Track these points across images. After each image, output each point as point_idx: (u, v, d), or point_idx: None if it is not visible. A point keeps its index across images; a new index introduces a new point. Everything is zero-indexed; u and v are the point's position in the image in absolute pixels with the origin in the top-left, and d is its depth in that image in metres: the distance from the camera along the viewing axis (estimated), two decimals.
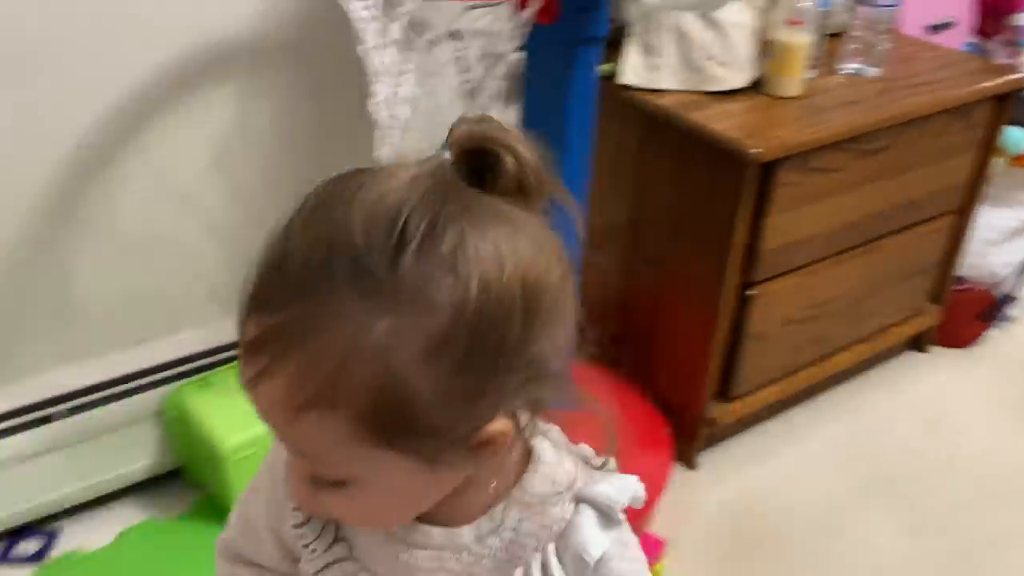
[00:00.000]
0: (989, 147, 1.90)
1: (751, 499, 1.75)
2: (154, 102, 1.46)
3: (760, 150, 1.48)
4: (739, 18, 1.60)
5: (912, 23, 2.02)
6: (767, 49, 1.63)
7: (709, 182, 1.58)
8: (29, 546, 1.52)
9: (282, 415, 0.54)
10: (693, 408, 1.74)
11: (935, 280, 2.04)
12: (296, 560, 0.72)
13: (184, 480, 1.65)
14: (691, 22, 1.60)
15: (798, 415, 1.94)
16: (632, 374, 1.80)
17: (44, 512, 1.54)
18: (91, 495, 1.57)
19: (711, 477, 1.79)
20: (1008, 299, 2.20)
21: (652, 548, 1.54)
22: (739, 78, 1.64)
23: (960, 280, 2.10)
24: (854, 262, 1.79)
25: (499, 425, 0.57)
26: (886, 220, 1.80)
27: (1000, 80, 1.80)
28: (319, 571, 0.68)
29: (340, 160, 1.63)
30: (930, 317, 2.09)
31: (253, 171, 1.61)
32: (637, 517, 1.68)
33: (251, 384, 0.54)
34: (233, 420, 1.48)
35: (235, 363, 0.62)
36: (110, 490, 1.58)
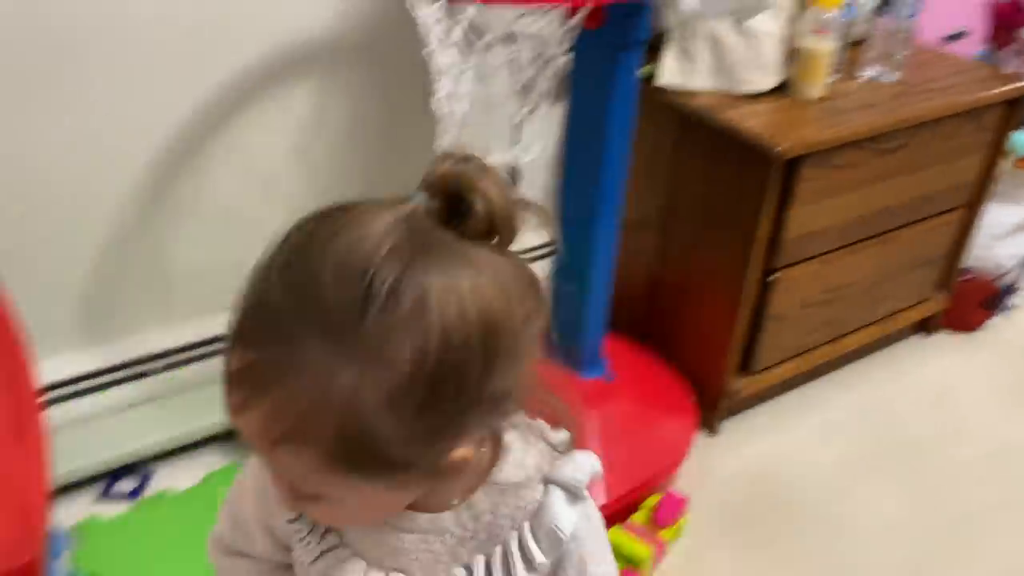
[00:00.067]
0: (997, 149, 1.85)
1: (766, 464, 1.74)
2: (242, 97, 1.48)
3: (785, 148, 1.46)
4: (769, 26, 1.58)
5: (929, 33, 1.98)
6: (794, 55, 1.61)
7: (737, 177, 1.56)
8: (126, 485, 1.55)
9: (260, 444, 0.54)
10: (716, 380, 1.73)
11: (943, 270, 2.00)
12: (289, 549, 0.71)
13: None
14: (725, 29, 1.58)
15: (812, 390, 1.92)
16: (662, 348, 1.80)
17: (140, 456, 1.57)
18: (181, 442, 1.60)
19: (730, 443, 1.78)
20: (1011, 289, 2.16)
21: (675, 506, 1.53)
22: (767, 81, 1.61)
23: (966, 270, 2.06)
24: (868, 252, 1.76)
25: (462, 452, 0.56)
26: (899, 214, 1.77)
27: (1009, 87, 1.76)
28: (314, 560, 0.67)
29: (406, 149, 1.65)
30: (937, 304, 2.05)
31: (328, 160, 1.62)
32: (663, 478, 1.69)
33: (233, 413, 0.54)
34: None
35: None
36: (198, 438, 1.61)
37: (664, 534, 1.51)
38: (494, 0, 1.15)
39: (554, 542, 0.65)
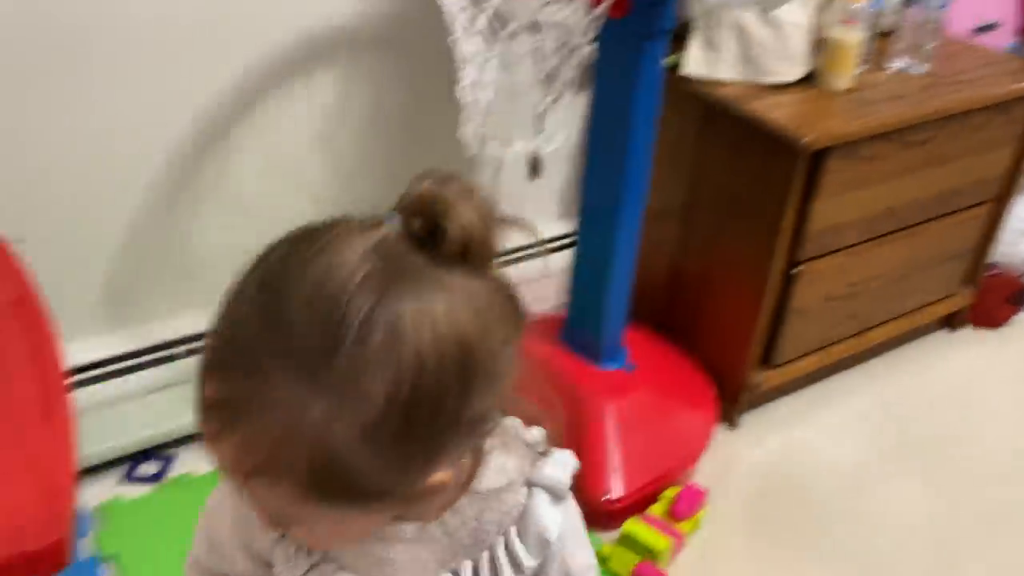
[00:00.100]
0: None
1: (786, 458, 1.73)
2: (267, 84, 1.48)
3: (811, 139, 1.45)
4: (795, 16, 1.56)
5: (958, 24, 1.95)
6: (821, 45, 1.59)
7: (762, 167, 1.55)
8: (149, 468, 1.57)
9: (234, 475, 0.53)
10: (737, 373, 1.73)
11: (969, 265, 1.98)
12: (270, 566, 0.69)
13: None
14: (750, 19, 1.56)
15: (834, 384, 1.91)
16: (683, 340, 1.79)
17: (163, 439, 1.58)
18: None
19: (751, 436, 1.77)
20: None
21: (695, 497, 1.53)
22: (794, 72, 1.60)
23: (993, 266, 2.04)
24: (894, 245, 1.75)
25: (440, 476, 0.55)
26: (926, 207, 1.75)
27: None
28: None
29: (430, 138, 1.65)
30: (963, 299, 2.03)
31: (352, 148, 1.63)
32: (682, 470, 1.68)
33: (207, 443, 0.54)
34: None
35: None
36: None
37: (682, 526, 1.51)
38: None
39: (541, 545, 0.66)
